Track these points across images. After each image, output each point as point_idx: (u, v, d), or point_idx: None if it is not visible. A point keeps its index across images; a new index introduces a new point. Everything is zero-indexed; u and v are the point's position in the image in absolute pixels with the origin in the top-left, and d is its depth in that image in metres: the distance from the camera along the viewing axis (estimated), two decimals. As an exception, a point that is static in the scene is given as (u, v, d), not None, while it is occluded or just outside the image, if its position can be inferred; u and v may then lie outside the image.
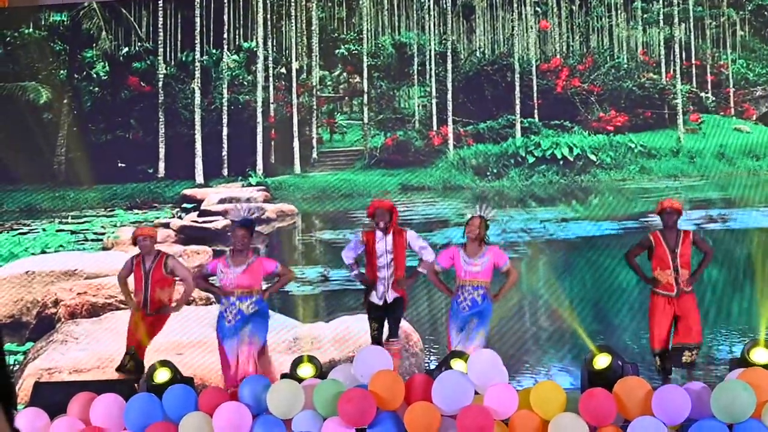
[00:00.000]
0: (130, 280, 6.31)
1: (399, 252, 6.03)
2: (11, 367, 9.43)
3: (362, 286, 6.19)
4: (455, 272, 5.93)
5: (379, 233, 6.10)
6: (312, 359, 5.74)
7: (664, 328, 5.92)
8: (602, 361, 5.24)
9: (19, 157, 12.12)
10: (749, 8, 16.08)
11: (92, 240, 12.58)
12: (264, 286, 6.00)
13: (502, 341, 10.01)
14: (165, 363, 5.55)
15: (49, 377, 8.11)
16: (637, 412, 4.92)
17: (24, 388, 8.19)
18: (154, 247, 6.28)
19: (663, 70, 15.95)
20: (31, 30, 13.51)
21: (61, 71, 13.43)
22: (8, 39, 13.22)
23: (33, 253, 11.77)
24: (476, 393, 5.05)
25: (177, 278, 6.24)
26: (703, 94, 16.77)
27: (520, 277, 5.85)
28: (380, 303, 6.06)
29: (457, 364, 5.15)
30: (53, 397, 5.43)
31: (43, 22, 13.50)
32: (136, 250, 6.50)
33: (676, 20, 15.70)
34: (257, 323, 5.92)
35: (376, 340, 6.12)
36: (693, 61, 16.21)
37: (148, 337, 6.13)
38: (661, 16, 15.65)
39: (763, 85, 17.08)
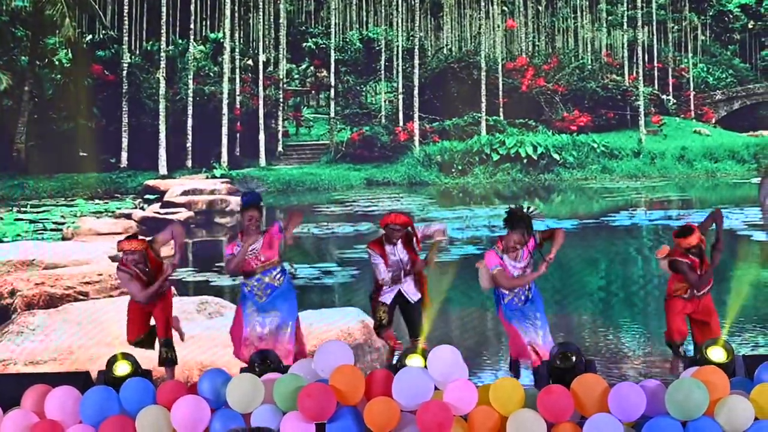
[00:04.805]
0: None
1: (412, 254, 6.12)
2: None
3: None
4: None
5: (388, 246, 6.11)
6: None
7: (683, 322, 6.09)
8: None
9: (-24, 144, 11.85)
10: (710, 13, 16.42)
11: (51, 230, 12.35)
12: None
13: (463, 336, 10.12)
14: (125, 356, 5.46)
15: (3, 369, 7.95)
16: (593, 409, 5.01)
17: (-23, 381, 7.99)
18: (142, 255, 6.02)
19: (626, 71, 16.21)
20: (-10, 15, 13.16)
21: (23, 57, 13.14)
22: (-34, 23, 12.89)
23: (-11, 243, 11.53)
24: (436, 388, 5.09)
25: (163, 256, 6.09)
26: (664, 97, 17.11)
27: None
28: (390, 303, 6.16)
29: (415, 359, 5.19)
30: (6, 390, 5.31)
31: (4, 7, 13.17)
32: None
33: (639, 23, 15.96)
34: (287, 308, 5.93)
35: (385, 323, 6.16)
36: (655, 64, 16.52)
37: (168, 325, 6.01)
38: (625, 19, 15.90)
39: (722, 89, 17.48)
